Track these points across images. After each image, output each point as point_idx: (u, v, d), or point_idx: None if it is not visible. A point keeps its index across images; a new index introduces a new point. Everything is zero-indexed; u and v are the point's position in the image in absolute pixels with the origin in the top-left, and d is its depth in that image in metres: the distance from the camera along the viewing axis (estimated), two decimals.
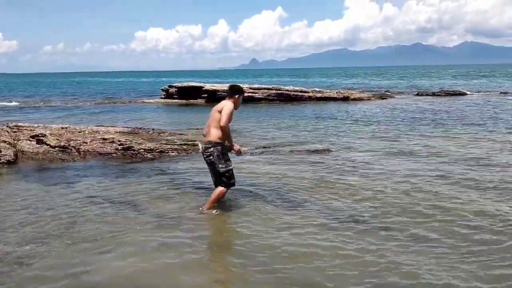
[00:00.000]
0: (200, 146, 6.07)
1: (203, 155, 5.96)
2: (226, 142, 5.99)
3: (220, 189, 5.99)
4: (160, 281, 4.15)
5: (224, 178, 5.96)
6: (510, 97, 26.03)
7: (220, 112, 5.79)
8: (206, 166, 6.17)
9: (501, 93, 29.47)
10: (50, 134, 10.51)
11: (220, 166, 5.89)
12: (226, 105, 5.83)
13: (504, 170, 8.11)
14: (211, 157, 5.88)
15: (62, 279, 4.20)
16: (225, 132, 5.82)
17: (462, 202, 6.27)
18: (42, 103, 29.52)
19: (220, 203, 6.15)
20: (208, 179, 7.71)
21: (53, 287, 4.06)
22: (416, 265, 4.30)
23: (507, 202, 6.26)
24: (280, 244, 4.91)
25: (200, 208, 6.07)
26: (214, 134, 5.84)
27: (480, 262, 4.37)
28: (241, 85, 6.47)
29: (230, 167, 5.97)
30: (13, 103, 29.39)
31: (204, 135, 5.97)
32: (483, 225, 5.37)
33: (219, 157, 5.89)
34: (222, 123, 5.72)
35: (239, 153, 6.20)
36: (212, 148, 5.86)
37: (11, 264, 4.52)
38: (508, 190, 6.84)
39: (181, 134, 12.99)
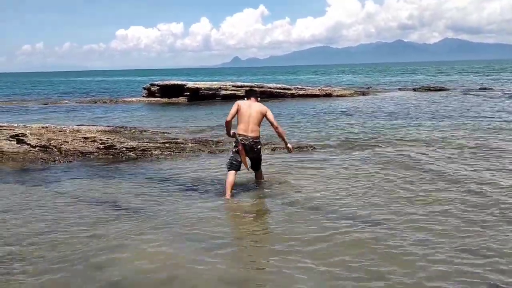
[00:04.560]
0: (238, 138, 6.78)
1: (250, 146, 6.81)
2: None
3: (261, 170, 7.34)
4: (182, 274, 4.20)
5: (260, 163, 7.22)
6: (484, 93, 26.42)
7: (262, 114, 6.86)
8: (232, 158, 6.87)
9: (479, 89, 29.89)
10: (31, 134, 10.37)
11: (261, 155, 7.19)
12: (269, 110, 6.97)
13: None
14: (259, 149, 7.02)
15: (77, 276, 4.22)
16: (282, 131, 7.10)
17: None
18: (17, 102, 28.99)
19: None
20: (189, 175, 7.78)
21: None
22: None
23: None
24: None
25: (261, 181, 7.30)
26: (259, 131, 6.92)
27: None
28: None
29: None
30: None
31: (245, 130, 6.78)
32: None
33: (261, 149, 7.17)
34: (278, 124, 6.98)
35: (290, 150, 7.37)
36: (259, 143, 7.00)
37: (14, 263, 4.51)
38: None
39: (163, 133, 12.96)
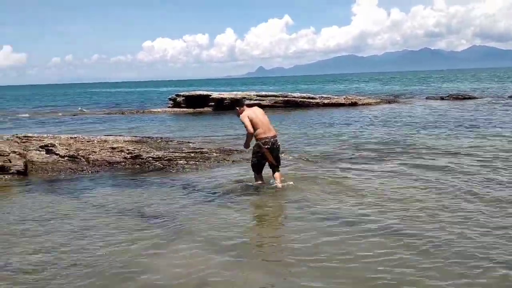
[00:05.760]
0: (260, 142, 7.55)
1: (274, 145, 7.62)
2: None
3: (280, 171, 7.79)
4: (213, 280, 4.26)
5: (280, 159, 7.91)
6: None
7: (264, 113, 7.86)
8: (260, 160, 7.70)
9: (509, 97, 29.19)
10: (59, 144, 10.60)
11: (280, 152, 7.95)
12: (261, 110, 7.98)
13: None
14: (279, 145, 7.86)
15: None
16: None
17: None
18: (46, 114, 29.67)
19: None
20: (214, 183, 7.83)
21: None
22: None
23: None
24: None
25: (277, 185, 7.61)
26: (274, 129, 7.81)
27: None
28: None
29: None
30: (25, 115, 29.55)
31: (264, 132, 7.57)
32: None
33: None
34: None
35: None
36: (277, 140, 7.78)
37: (44, 270, 4.59)
38: None
39: (189, 142, 13.06)
